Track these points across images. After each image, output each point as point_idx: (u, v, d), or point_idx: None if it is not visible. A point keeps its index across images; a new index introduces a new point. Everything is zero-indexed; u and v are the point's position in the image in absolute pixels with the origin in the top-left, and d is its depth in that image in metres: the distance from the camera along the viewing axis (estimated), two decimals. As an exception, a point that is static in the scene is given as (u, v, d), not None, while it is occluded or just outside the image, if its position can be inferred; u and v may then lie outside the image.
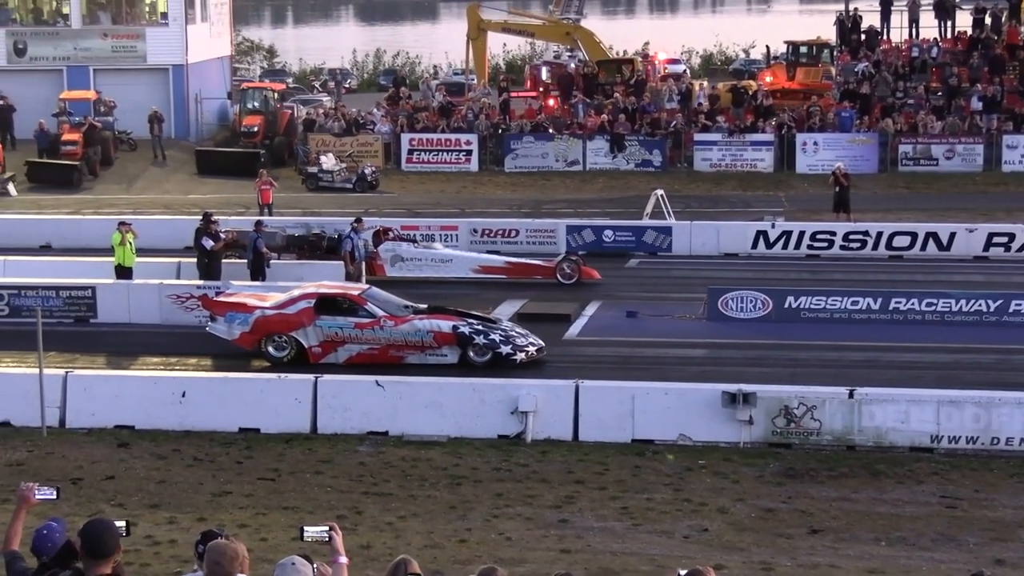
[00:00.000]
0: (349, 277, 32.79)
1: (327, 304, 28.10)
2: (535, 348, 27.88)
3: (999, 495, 20.60)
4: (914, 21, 60.57)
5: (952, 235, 38.33)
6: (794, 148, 52.47)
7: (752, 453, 22.69)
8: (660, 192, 41.32)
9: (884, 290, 31.78)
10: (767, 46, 69.48)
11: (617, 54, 67.91)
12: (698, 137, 53.72)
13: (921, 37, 60.11)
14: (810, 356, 28.28)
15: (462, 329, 27.71)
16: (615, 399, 23.81)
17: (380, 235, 36.18)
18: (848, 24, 60.52)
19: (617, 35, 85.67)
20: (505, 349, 27.49)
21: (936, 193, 47.74)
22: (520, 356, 27.52)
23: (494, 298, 33.07)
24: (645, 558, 18.17)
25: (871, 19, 61.38)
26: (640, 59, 65.86)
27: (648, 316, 31.63)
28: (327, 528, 9.86)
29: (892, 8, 60.54)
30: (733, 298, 31.38)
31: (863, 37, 60.11)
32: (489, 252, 37.33)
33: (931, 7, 60.18)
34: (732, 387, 23.43)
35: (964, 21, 60.01)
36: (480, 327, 27.91)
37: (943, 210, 42.97)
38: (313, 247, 36.03)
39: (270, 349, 28.10)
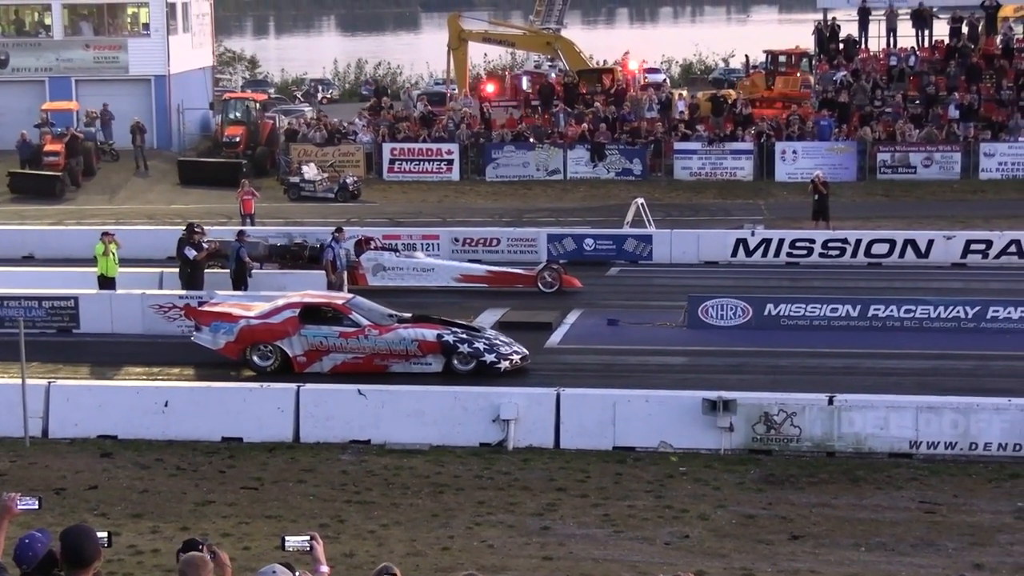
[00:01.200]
0: (331, 286, 32.75)
1: (312, 313, 28.08)
2: (519, 356, 27.89)
3: (978, 500, 20.66)
4: (892, 30, 60.80)
5: (930, 242, 38.45)
6: (773, 156, 52.58)
7: (732, 460, 22.71)
8: (640, 201, 41.38)
9: (863, 297, 31.87)
10: (746, 55, 69.66)
11: (597, 64, 68.05)
12: (678, 146, 53.79)
13: (899, 46, 60.31)
14: (790, 363, 28.35)
15: (446, 338, 27.69)
16: (596, 407, 23.81)
17: (362, 244, 36.16)
18: (826, 33, 60.71)
19: (597, 45, 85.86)
20: (489, 357, 27.48)
21: (914, 201, 47.89)
22: (504, 364, 27.52)
23: (476, 307, 33.07)
24: (627, 565, 18.18)
25: (849, 28, 61.59)
26: (620, 69, 65.94)
27: (629, 324, 31.67)
28: (308, 537, 9.85)
29: (870, 18, 60.76)
30: (713, 306, 31.44)
31: (841, 46, 60.30)
32: (470, 261, 37.34)
33: (908, 16, 60.40)
34: (712, 394, 23.45)
35: (941, 30, 60.23)
36: (464, 336, 27.90)
37: (921, 218, 43.11)
38: (295, 256, 36.00)
39: (255, 358, 28.07)
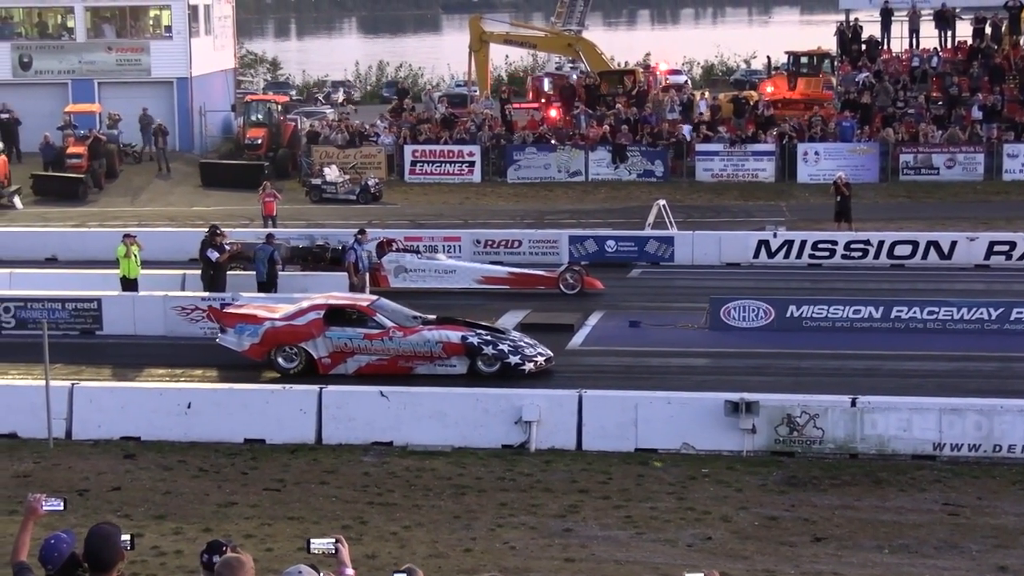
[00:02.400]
0: (353, 288, 32.80)
1: (336, 315, 28.10)
2: (543, 358, 27.88)
3: (1002, 502, 20.58)
4: (914, 31, 60.67)
5: (953, 244, 38.34)
6: (795, 158, 52.51)
7: (755, 462, 22.67)
8: (662, 202, 41.35)
9: (886, 299, 31.79)
10: (768, 56, 69.55)
11: (619, 65, 68.03)
12: (699, 147, 53.75)
13: (921, 47, 60.22)
14: (812, 365, 28.30)
15: (471, 340, 27.70)
16: (618, 408, 23.78)
17: (384, 246, 36.20)
18: (848, 34, 60.63)
19: (619, 46, 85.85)
20: (514, 359, 27.47)
21: (937, 202, 47.76)
22: (528, 366, 27.50)
23: (498, 308, 33.08)
24: (649, 566, 18.17)
25: (871, 29, 61.48)
26: (641, 70, 65.91)
27: (651, 326, 31.65)
28: (333, 540, 9.88)
29: (892, 18, 60.66)
30: (735, 307, 31.40)
31: (864, 47, 60.21)
32: (492, 263, 37.35)
33: (931, 17, 60.27)
34: (735, 396, 23.41)
35: (964, 31, 60.11)
36: (489, 337, 27.90)
37: (944, 219, 42.98)
38: (317, 258, 36.06)
39: (279, 360, 28.09)
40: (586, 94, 59.29)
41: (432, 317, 28.75)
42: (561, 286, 35.11)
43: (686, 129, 54.59)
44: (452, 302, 33.49)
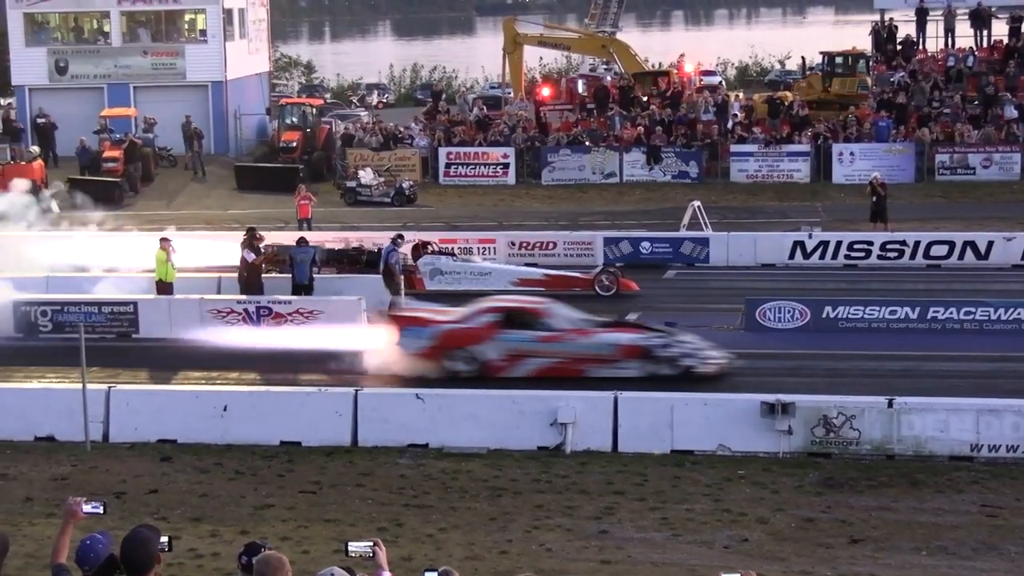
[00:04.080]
0: (394, 292, 32.78)
1: (510, 318, 27.88)
2: (719, 360, 27.56)
3: (1035, 505, 20.50)
4: (950, 30, 60.37)
5: (990, 244, 38.15)
6: (830, 158, 52.33)
7: (791, 463, 22.62)
8: (697, 203, 41.28)
9: (922, 299, 31.63)
10: (802, 57, 69.27)
11: (653, 66, 67.92)
12: (734, 148, 53.64)
13: (957, 46, 59.90)
14: (848, 366, 28.20)
15: (646, 342, 27.46)
16: (654, 410, 23.77)
17: (419, 249, 36.24)
18: (884, 34, 60.38)
19: (652, 47, 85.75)
20: (689, 362, 27.23)
21: (973, 202, 47.52)
22: (704, 369, 27.23)
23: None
24: (685, 568, 18.14)
25: (907, 29, 61.21)
26: (675, 71, 65.81)
27: (686, 327, 31.54)
28: (371, 544, 9.89)
29: (928, 18, 60.37)
30: (771, 308, 31.32)
31: (899, 47, 59.97)
32: (527, 265, 37.34)
33: (967, 16, 59.98)
34: (771, 397, 23.37)
35: (1000, 30, 59.79)
36: (663, 340, 27.62)
37: (980, 219, 42.76)
38: (353, 261, 36.11)
39: (452, 363, 27.74)
40: (620, 95, 59.21)
41: (602, 319, 28.59)
42: (597, 288, 35.09)
43: (725, 124, 54.53)
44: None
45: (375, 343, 28.42)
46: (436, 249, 36.81)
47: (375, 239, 37.20)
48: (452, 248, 37.93)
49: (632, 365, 27.29)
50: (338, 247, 37.11)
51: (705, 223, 40.54)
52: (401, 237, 34.90)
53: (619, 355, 27.36)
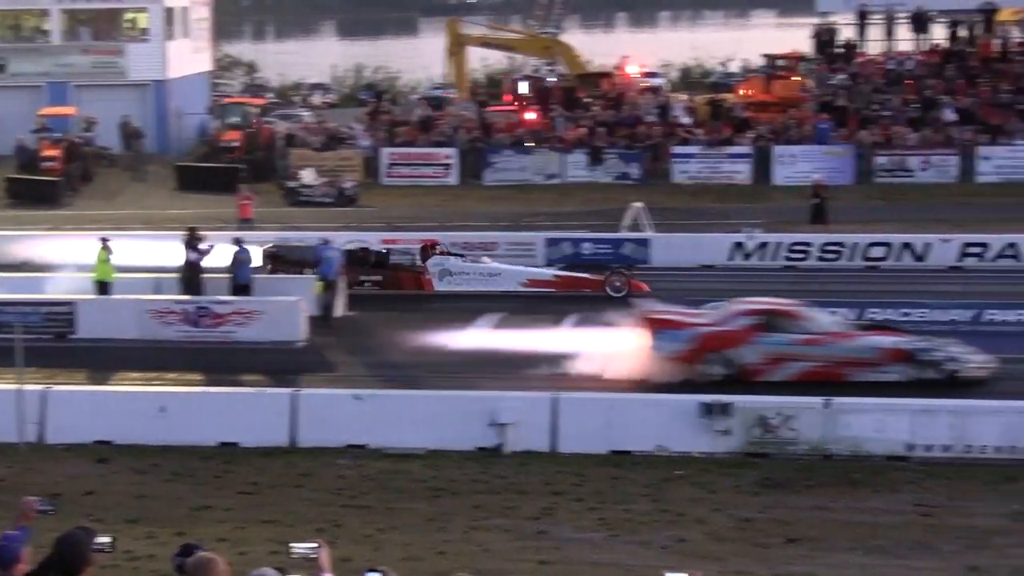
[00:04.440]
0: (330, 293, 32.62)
1: (768, 320, 27.38)
2: (982, 365, 27.09)
3: (973, 502, 20.68)
4: (890, 34, 60.85)
5: (927, 245, 38.51)
6: (772, 160, 52.60)
7: (729, 463, 22.72)
8: (639, 205, 41.35)
9: (860, 300, 31.88)
10: (745, 59, 69.62)
11: (596, 68, 68.04)
12: (676, 150, 53.81)
13: (897, 50, 60.37)
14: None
15: (909, 346, 26.96)
16: (593, 410, 23.84)
17: (427, 249, 36.00)
18: (825, 37, 60.76)
19: (596, 49, 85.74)
20: (953, 366, 26.78)
21: (911, 204, 47.84)
22: (969, 373, 26.73)
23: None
24: (623, 568, 18.18)
25: (848, 32, 61.63)
26: (618, 73, 65.94)
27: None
28: (315, 545, 9.85)
29: (868, 21, 60.83)
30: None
31: (840, 50, 60.37)
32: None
33: (907, 20, 60.47)
34: (709, 398, 23.49)
35: (939, 34, 60.29)
36: (926, 344, 27.12)
37: (918, 221, 43.05)
38: (360, 262, 35.82)
39: (709, 367, 27.18)
40: (563, 97, 59.29)
41: (860, 322, 28.33)
42: (608, 289, 34.88)
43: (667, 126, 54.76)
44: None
45: (625, 346, 27.82)
46: (444, 250, 36.52)
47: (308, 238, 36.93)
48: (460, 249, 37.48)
49: (895, 369, 26.73)
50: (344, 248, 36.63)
51: (646, 224, 40.63)
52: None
53: (883, 359, 26.74)
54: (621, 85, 61.95)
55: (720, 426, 23.09)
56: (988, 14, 59.00)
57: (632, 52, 78.11)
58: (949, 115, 53.56)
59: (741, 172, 52.87)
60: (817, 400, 23.35)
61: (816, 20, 63.60)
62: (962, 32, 59.87)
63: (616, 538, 19.35)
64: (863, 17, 60.58)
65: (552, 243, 39.74)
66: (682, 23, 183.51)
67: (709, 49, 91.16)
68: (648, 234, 40.12)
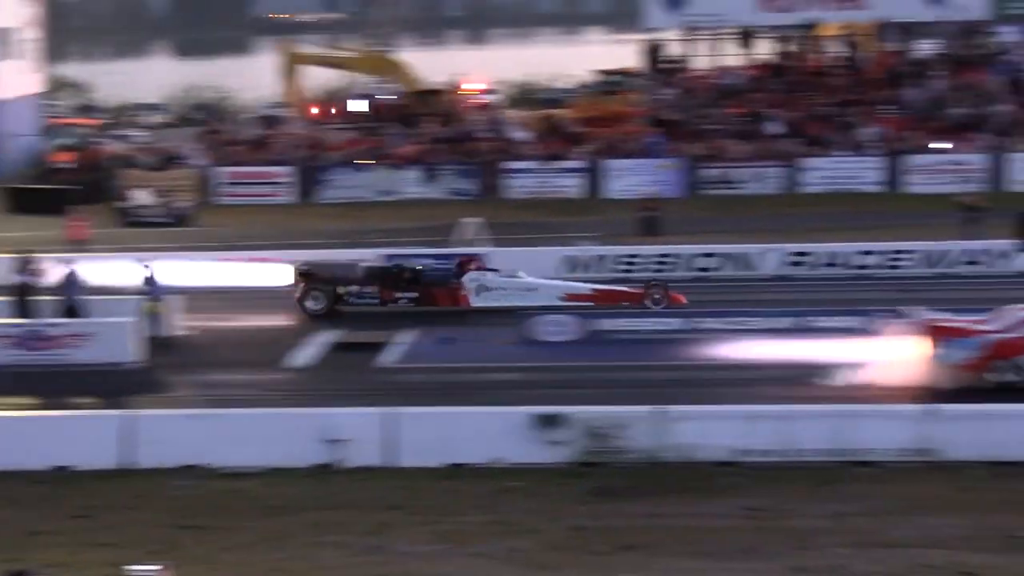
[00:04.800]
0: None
1: None
2: None
3: (798, 505, 21.11)
4: (718, 50, 61.95)
5: (754, 255, 39.25)
6: (604, 175, 53.22)
7: (563, 473, 22.88)
8: (473, 220, 41.55)
9: (689, 310, 32.44)
10: (577, 75, 70.32)
11: (430, 85, 68.27)
12: (510, 165, 54.20)
13: (725, 64, 61.47)
14: (620, 377, 28.66)
15: None
16: (429, 424, 23.90)
17: (464, 265, 35.78)
18: (654, 53, 61.61)
19: (430, 66, 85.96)
20: None
21: (739, 215, 48.73)
22: None
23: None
24: (458, 580, 18.28)
25: (677, 47, 62.53)
26: (452, 89, 66.19)
27: (463, 342, 31.84)
28: (159, 568, 9.80)
29: (696, 37, 61.84)
30: (545, 322, 31.75)
31: (669, 66, 61.29)
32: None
33: (734, 36, 61.61)
34: (544, 409, 23.69)
35: (766, 49, 61.53)
36: None
37: (746, 231, 43.85)
38: (396, 279, 35.42)
39: (1000, 375, 26.70)
40: (398, 114, 59.36)
41: None
42: (647, 302, 34.64)
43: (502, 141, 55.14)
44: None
45: (902, 355, 27.29)
46: (481, 265, 36.20)
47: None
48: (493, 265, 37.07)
49: None
50: (379, 265, 36.26)
51: (482, 239, 40.81)
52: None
53: None
54: (455, 102, 62.24)
55: (553, 437, 23.29)
56: (809, 30, 60.37)
57: (465, 69, 78.52)
58: (774, 128, 54.71)
59: (574, 186, 53.43)
60: (649, 409, 23.65)
61: (646, 36, 64.43)
62: (786, 47, 61.24)
63: (453, 551, 19.42)
64: (692, 33, 61.59)
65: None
66: (515, 40, 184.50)
67: (541, 66, 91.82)
68: (483, 249, 40.24)
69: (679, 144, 54.40)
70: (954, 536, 19.59)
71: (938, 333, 27.12)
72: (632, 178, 52.51)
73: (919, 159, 53.45)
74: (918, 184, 52.71)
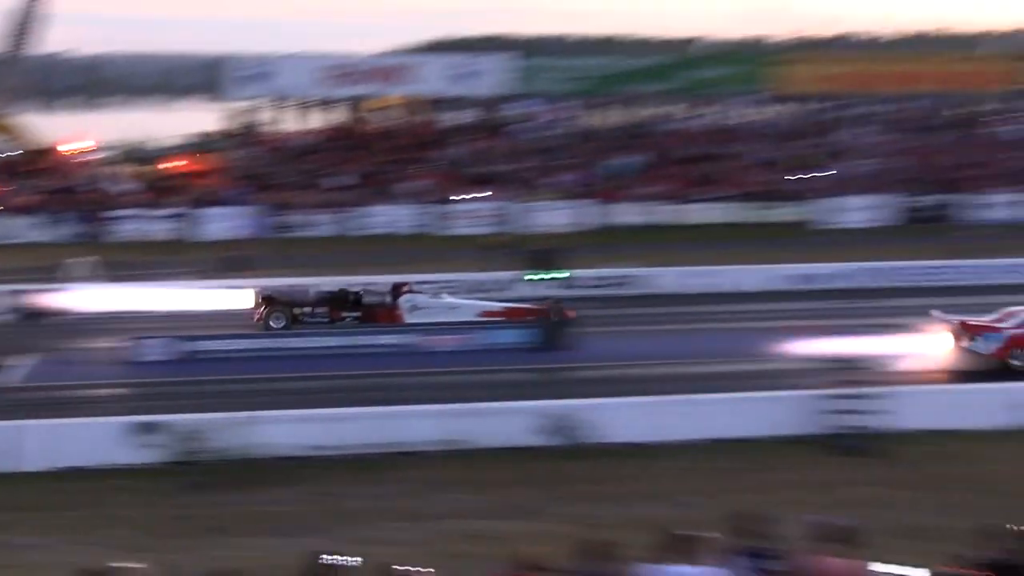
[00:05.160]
0: None
1: None
2: None
3: (349, 489, 21.62)
4: (286, 117, 63.62)
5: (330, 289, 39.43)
6: (197, 220, 53.12)
7: (163, 472, 22.56)
8: (84, 259, 40.49)
9: (276, 333, 32.97)
10: (175, 135, 69.69)
11: (45, 144, 65.73)
12: (116, 213, 53.42)
13: (300, 128, 62.64)
14: (215, 388, 28.38)
15: None
16: (48, 435, 23.20)
17: (399, 289, 34.72)
18: (242, 119, 62.17)
19: (49, 127, 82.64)
20: None
21: (314, 254, 48.95)
22: None
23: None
24: (69, 565, 17.70)
25: (264, 113, 63.04)
26: (66, 148, 64.10)
27: (77, 364, 31.04)
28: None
29: (282, 104, 63.22)
30: (150, 344, 31.41)
31: (252, 129, 61.89)
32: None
33: (310, 104, 63.20)
34: (146, 418, 23.40)
35: (335, 116, 62.77)
36: None
37: (321, 266, 43.97)
38: (342, 302, 34.29)
39: (1019, 360, 28.32)
40: (11, 169, 57.21)
41: None
42: (552, 315, 33.62)
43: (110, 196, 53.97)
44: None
45: (933, 347, 29.11)
46: (412, 288, 35.03)
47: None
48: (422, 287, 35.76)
49: None
50: (328, 290, 34.97)
51: (96, 275, 39.86)
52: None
53: None
54: (66, 158, 60.53)
55: (153, 441, 22.96)
56: (366, 101, 62.18)
57: (78, 130, 75.92)
58: (336, 181, 56.18)
59: (173, 229, 53.07)
60: (242, 415, 23.54)
61: (240, 103, 64.36)
62: (352, 115, 62.98)
63: (60, 541, 18.91)
64: (276, 100, 62.44)
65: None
66: (122, 106, 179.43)
67: (145, 128, 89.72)
68: (91, 286, 39.06)
69: (261, 194, 54.84)
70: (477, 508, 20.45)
71: (971, 329, 29.36)
72: (222, 223, 52.74)
73: (453, 207, 55.56)
74: (455, 227, 54.74)
